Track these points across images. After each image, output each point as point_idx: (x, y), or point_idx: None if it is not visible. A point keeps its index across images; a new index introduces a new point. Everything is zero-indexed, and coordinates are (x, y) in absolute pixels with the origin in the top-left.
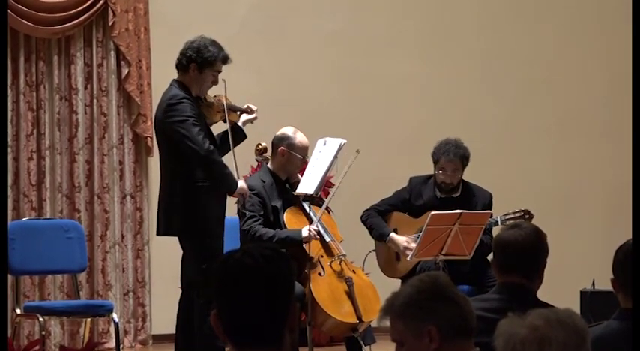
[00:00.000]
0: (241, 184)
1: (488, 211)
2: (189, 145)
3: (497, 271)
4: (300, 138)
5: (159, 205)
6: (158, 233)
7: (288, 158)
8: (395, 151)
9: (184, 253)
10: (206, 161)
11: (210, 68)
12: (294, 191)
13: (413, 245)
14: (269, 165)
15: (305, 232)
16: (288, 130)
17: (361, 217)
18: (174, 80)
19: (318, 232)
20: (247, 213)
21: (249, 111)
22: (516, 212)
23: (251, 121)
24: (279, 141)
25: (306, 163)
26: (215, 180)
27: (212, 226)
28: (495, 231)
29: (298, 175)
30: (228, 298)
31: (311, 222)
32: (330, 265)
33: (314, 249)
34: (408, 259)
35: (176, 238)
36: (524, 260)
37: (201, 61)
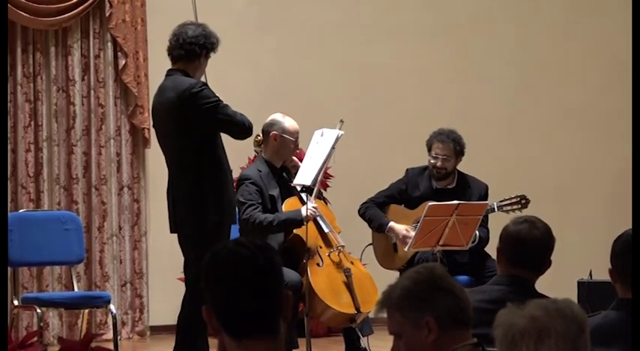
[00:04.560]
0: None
1: (486, 202)
2: (233, 126)
3: (506, 263)
4: (289, 121)
5: (178, 200)
6: (175, 231)
7: (280, 142)
8: (393, 142)
9: (198, 250)
10: (250, 135)
11: (212, 54)
12: (291, 181)
13: (412, 234)
14: (263, 154)
15: (304, 212)
16: (276, 116)
17: (359, 211)
18: (174, 70)
19: (316, 220)
20: (246, 201)
21: None
22: (512, 198)
23: None
24: (270, 126)
25: (299, 149)
26: None
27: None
28: (495, 220)
29: (296, 159)
30: (226, 290)
31: None
32: (329, 255)
33: (312, 240)
34: (406, 250)
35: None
36: (538, 258)
37: (211, 47)
